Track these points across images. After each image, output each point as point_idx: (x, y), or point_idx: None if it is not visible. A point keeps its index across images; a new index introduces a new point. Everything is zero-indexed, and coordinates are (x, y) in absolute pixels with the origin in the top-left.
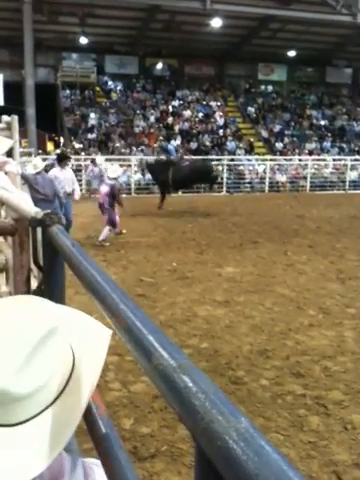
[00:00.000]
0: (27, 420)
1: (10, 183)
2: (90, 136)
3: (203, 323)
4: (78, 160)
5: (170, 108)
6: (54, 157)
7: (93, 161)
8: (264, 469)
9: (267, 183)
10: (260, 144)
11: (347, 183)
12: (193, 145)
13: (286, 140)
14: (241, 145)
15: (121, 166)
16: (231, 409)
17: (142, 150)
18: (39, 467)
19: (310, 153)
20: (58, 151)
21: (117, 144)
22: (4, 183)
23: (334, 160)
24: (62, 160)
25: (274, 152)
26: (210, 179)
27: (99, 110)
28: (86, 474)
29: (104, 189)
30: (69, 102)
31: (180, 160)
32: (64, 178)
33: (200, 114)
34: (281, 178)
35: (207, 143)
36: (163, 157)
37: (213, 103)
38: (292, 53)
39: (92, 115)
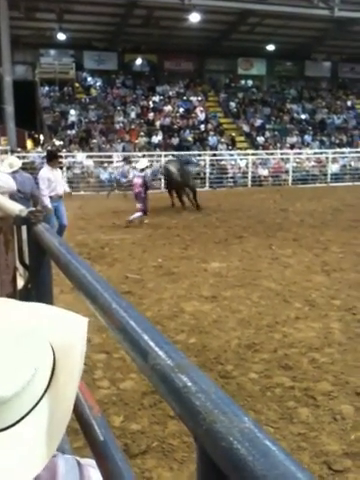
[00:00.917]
0: (17, 422)
1: None
2: (70, 133)
3: (190, 319)
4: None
5: (151, 104)
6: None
7: (125, 159)
8: (271, 470)
9: (250, 178)
10: (242, 139)
11: (329, 176)
12: (175, 141)
13: (267, 134)
14: (223, 140)
15: (102, 162)
16: (233, 409)
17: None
18: (38, 465)
19: (291, 147)
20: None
21: (94, 140)
22: None
23: (315, 153)
24: (52, 159)
25: (256, 146)
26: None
27: (79, 106)
28: (82, 475)
29: (138, 181)
30: (48, 100)
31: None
32: (55, 179)
33: (181, 109)
34: (263, 172)
35: (189, 138)
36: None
37: (194, 98)
38: (271, 47)
39: (72, 112)
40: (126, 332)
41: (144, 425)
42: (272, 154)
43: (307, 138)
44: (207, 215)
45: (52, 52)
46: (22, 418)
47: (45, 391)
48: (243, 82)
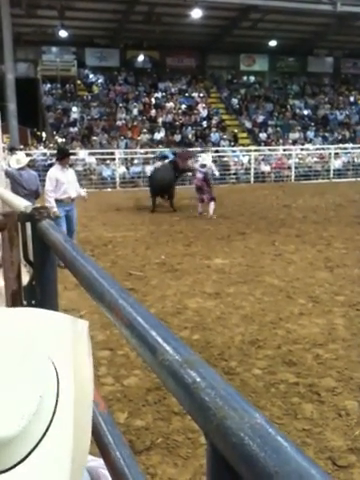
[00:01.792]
0: (21, 461)
1: None
2: (72, 130)
3: (194, 315)
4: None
5: (153, 100)
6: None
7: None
8: (284, 466)
9: (252, 174)
10: (244, 135)
11: (331, 172)
12: (177, 137)
13: (270, 130)
14: (225, 136)
15: (104, 160)
16: (244, 404)
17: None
18: None
19: (294, 143)
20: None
21: (94, 137)
22: None
23: (318, 149)
24: (64, 157)
25: (258, 143)
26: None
27: (81, 104)
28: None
29: (200, 175)
30: (51, 99)
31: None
32: (67, 180)
33: (183, 106)
34: (266, 168)
35: (190, 135)
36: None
37: (196, 95)
38: (273, 43)
39: (74, 109)
40: (133, 328)
41: (148, 421)
42: (274, 150)
43: (309, 134)
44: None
45: (54, 49)
46: (26, 456)
47: (51, 420)
48: (245, 78)
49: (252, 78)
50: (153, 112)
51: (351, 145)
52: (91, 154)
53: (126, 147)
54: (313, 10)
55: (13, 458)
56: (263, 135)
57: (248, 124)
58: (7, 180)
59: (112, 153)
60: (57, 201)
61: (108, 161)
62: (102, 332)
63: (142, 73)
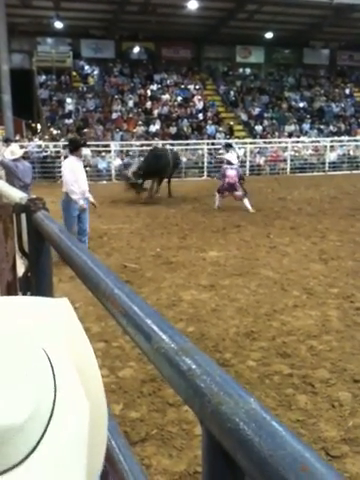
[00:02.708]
0: (26, 457)
1: None
2: (67, 122)
3: (189, 307)
4: (56, 147)
5: (148, 92)
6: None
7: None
8: (278, 450)
9: (248, 166)
10: (240, 127)
11: (327, 164)
12: (173, 129)
13: (265, 123)
14: (221, 129)
15: (100, 152)
16: (238, 390)
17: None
18: None
19: (289, 135)
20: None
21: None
22: None
23: (313, 142)
24: (77, 148)
25: (254, 135)
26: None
27: (76, 95)
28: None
29: (233, 173)
30: (47, 93)
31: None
32: (82, 172)
33: (179, 98)
34: (261, 161)
35: (186, 128)
36: None
37: (191, 87)
38: (269, 35)
39: (69, 100)
40: (129, 317)
41: (143, 413)
42: (270, 143)
43: (305, 126)
44: (205, 204)
45: (49, 40)
46: (33, 450)
47: (52, 409)
48: (241, 70)
49: (248, 70)
50: (149, 104)
51: (346, 138)
52: (86, 146)
53: (121, 139)
54: (309, 2)
55: (16, 454)
56: (259, 128)
57: (244, 116)
58: (1, 172)
59: (107, 145)
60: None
61: (103, 153)
62: (97, 324)
63: (137, 65)
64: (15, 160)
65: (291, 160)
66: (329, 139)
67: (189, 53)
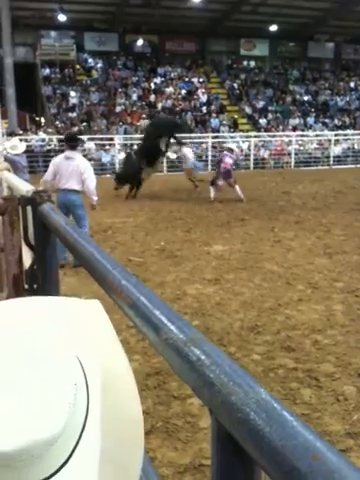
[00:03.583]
0: (64, 464)
1: None
2: (71, 115)
3: (193, 301)
4: (60, 140)
5: (152, 85)
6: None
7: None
8: (290, 440)
9: (252, 160)
10: (244, 121)
11: (331, 158)
12: None
13: (270, 116)
14: (225, 122)
15: (103, 145)
16: (248, 381)
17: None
18: None
19: (294, 129)
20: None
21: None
22: None
23: (317, 135)
24: (74, 142)
25: (258, 129)
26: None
27: (80, 88)
28: None
29: (229, 160)
30: (51, 86)
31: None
32: (86, 167)
33: (183, 91)
34: (265, 155)
35: (190, 121)
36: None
37: (195, 80)
38: (274, 28)
39: (72, 94)
40: (137, 308)
41: (148, 406)
42: (274, 136)
43: (310, 120)
44: (209, 198)
45: (53, 33)
46: (70, 455)
47: (84, 423)
48: (245, 63)
49: (252, 63)
50: (152, 97)
51: (351, 131)
52: (90, 139)
53: (125, 133)
54: None
55: (55, 462)
56: (263, 121)
57: (248, 110)
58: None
59: (111, 139)
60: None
61: (107, 147)
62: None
63: (141, 58)
64: (16, 155)
65: (295, 154)
66: (333, 133)
67: (193, 46)
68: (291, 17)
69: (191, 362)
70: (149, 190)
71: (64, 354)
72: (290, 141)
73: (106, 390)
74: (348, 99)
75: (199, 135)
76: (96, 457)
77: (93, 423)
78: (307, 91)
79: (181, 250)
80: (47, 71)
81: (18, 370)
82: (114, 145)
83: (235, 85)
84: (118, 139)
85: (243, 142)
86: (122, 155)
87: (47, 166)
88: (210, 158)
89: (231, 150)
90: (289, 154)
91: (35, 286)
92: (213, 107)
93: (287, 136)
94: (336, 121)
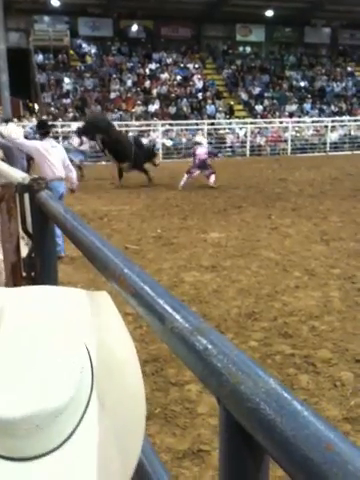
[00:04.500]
0: (67, 438)
1: None
2: (65, 101)
3: (190, 288)
4: (55, 127)
5: (147, 71)
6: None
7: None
8: (301, 430)
9: (248, 147)
10: (240, 107)
11: (328, 145)
12: (172, 109)
13: (266, 102)
14: (221, 108)
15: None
16: (256, 370)
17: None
18: None
19: (290, 115)
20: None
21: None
22: None
23: (314, 122)
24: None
25: (254, 115)
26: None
27: (74, 74)
28: None
29: (202, 150)
30: (45, 72)
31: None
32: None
33: (178, 77)
34: (262, 141)
35: (185, 107)
36: None
37: (191, 66)
38: (270, 13)
39: (67, 80)
40: (141, 297)
41: (146, 392)
42: (271, 123)
43: (306, 106)
44: (205, 185)
45: (46, 19)
46: (77, 426)
47: (88, 400)
48: (241, 49)
49: (248, 49)
50: (147, 83)
51: (348, 117)
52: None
53: (120, 119)
54: None
55: (60, 435)
56: (259, 107)
57: (244, 96)
58: None
59: None
60: None
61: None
62: None
63: (136, 43)
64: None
65: (292, 140)
66: (330, 119)
67: (188, 31)
68: (287, 2)
69: (198, 351)
70: (145, 178)
71: (73, 340)
72: (286, 128)
73: (112, 374)
74: (344, 85)
75: (195, 121)
76: (98, 435)
77: (96, 403)
78: (304, 77)
79: (178, 237)
80: (40, 57)
81: (32, 350)
82: None
83: (231, 71)
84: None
85: (240, 129)
86: None
87: None
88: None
89: (199, 143)
90: (285, 141)
91: (33, 274)
92: (209, 93)
93: (282, 122)
94: (333, 107)
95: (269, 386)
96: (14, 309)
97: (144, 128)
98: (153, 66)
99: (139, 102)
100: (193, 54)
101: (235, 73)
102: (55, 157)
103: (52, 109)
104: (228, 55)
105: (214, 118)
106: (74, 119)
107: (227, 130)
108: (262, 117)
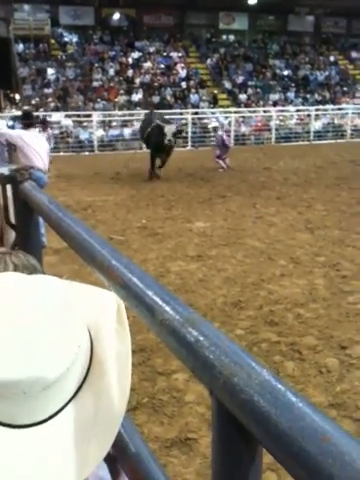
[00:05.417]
0: (59, 411)
1: None
2: (47, 91)
3: (176, 278)
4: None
5: (130, 60)
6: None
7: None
8: (297, 421)
9: (232, 136)
10: (224, 96)
11: (311, 134)
12: (155, 99)
13: (250, 91)
14: (204, 98)
15: (81, 122)
16: (249, 361)
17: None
18: (90, 463)
19: (274, 104)
20: (14, 110)
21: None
22: None
23: (298, 111)
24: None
25: (238, 104)
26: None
27: (55, 64)
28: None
29: (223, 133)
30: (25, 65)
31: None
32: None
33: (161, 66)
34: (246, 130)
35: (169, 96)
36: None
37: (174, 54)
38: (253, 1)
39: (49, 70)
40: (129, 288)
41: (134, 382)
42: (255, 112)
43: (290, 95)
44: (190, 175)
45: (26, 7)
46: (64, 406)
47: (86, 374)
48: (225, 37)
49: (231, 37)
50: (130, 72)
51: (331, 106)
52: (67, 116)
53: (103, 109)
54: None
55: (49, 407)
56: (243, 96)
57: (228, 85)
58: None
59: (89, 115)
60: None
61: (85, 123)
62: None
63: (118, 32)
64: None
65: (276, 129)
66: (314, 108)
67: (171, 20)
68: None
69: (189, 343)
70: (131, 168)
71: (74, 320)
72: (270, 117)
73: (107, 358)
74: (328, 73)
75: (179, 111)
76: (83, 418)
77: (92, 379)
78: (287, 65)
79: (163, 227)
80: (21, 46)
81: (40, 325)
82: (92, 122)
83: (214, 60)
84: (96, 115)
85: (226, 118)
86: (100, 132)
87: None
88: (190, 135)
89: (216, 127)
90: (270, 130)
91: None
92: (192, 82)
93: (267, 111)
94: (316, 96)
95: (263, 377)
96: (25, 289)
97: (127, 118)
98: (136, 55)
99: (122, 91)
100: (176, 42)
101: (218, 62)
102: (40, 147)
103: (34, 101)
104: (211, 43)
105: (198, 107)
106: (56, 109)
107: (213, 120)
108: (246, 106)
